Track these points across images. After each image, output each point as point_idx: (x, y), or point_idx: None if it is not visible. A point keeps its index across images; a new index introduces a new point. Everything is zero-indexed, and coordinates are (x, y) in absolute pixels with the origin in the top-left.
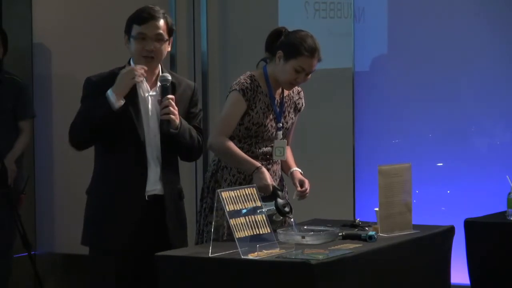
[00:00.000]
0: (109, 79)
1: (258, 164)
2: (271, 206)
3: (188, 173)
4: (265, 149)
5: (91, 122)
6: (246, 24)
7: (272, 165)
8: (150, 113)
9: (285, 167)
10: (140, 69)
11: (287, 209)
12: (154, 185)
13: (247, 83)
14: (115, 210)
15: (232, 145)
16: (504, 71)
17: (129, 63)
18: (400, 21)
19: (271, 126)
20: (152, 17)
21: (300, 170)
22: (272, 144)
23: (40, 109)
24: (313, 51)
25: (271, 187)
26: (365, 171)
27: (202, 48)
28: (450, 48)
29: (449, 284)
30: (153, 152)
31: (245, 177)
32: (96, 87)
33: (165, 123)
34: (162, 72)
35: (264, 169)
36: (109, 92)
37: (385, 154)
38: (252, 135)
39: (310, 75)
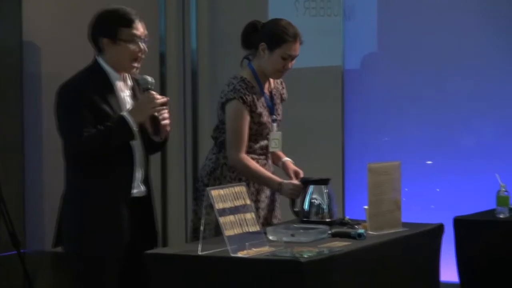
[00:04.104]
0: (89, 82)
1: (278, 179)
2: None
3: (178, 171)
4: (262, 143)
5: (110, 146)
6: (236, 23)
7: (267, 160)
8: None
9: (275, 158)
10: (161, 99)
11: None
12: (138, 187)
13: (243, 88)
14: (106, 214)
15: (252, 164)
16: (493, 69)
17: (96, 62)
18: (390, 19)
19: (268, 121)
20: (136, 18)
21: (291, 160)
22: (268, 136)
23: (29, 107)
24: (295, 36)
25: (300, 186)
26: (355, 169)
27: (192, 47)
28: (440, 46)
29: (438, 282)
30: (136, 153)
31: None
32: (81, 96)
33: (162, 130)
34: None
35: (284, 182)
36: (129, 118)
37: (375, 152)
38: (253, 133)
39: (295, 60)
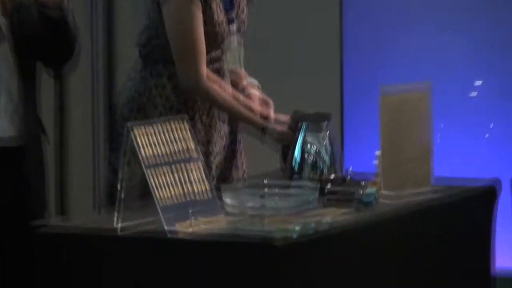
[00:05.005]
0: None
1: (260, 121)
2: None
3: (82, 100)
4: (214, 54)
5: None
6: None
7: (223, 80)
8: None
9: (233, 79)
10: None
11: None
12: (4, 125)
13: None
14: None
15: (222, 92)
16: None
17: None
18: None
19: (224, 22)
20: None
21: (257, 82)
22: (223, 46)
23: None
24: None
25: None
26: (359, 98)
27: None
28: None
29: (492, 268)
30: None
31: (187, 101)
32: None
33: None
34: None
35: (271, 126)
36: None
37: (388, 71)
38: None
39: None
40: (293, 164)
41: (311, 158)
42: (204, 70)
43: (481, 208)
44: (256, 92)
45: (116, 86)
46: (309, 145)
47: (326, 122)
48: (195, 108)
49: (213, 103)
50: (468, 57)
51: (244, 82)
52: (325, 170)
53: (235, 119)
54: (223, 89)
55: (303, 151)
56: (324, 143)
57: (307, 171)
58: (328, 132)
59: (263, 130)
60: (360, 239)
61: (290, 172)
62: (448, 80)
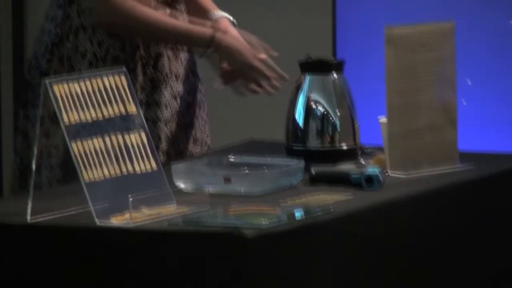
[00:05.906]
0: None
1: (208, 31)
2: None
3: None
4: None
5: None
6: None
7: (179, 12)
8: None
9: (195, 11)
10: None
11: None
12: None
13: None
14: None
15: (149, 12)
16: None
17: None
18: None
19: None
20: None
21: (230, 17)
22: None
23: None
24: None
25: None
26: (354, 37)
27: None
28: None
29: None
30: None
31: (126, 47)
32: None
33: None
34: None
35: (222, 37)
36: None
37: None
38: None
39: None
40: (294, 130)
41: (316, 121)
42: None
43: None
44: (228, 21)
45: (27, 30)
46: (314, 104)
47: (335, 73)
48: (138, 57)
49: (140, 23)
50: None
51: (211, 14)
52: (336, 138)
53: (174, 41)
54: (152, 13)
55: (307, 113)
56: (334, 101)
57: (311, 139)
58: (339, 85)
59: (212, 39)
60: (359, 229)
61: (289, 140)
62: (474, 22)
